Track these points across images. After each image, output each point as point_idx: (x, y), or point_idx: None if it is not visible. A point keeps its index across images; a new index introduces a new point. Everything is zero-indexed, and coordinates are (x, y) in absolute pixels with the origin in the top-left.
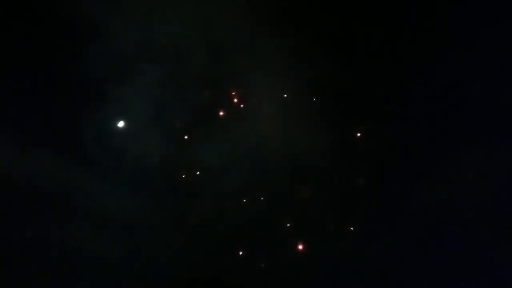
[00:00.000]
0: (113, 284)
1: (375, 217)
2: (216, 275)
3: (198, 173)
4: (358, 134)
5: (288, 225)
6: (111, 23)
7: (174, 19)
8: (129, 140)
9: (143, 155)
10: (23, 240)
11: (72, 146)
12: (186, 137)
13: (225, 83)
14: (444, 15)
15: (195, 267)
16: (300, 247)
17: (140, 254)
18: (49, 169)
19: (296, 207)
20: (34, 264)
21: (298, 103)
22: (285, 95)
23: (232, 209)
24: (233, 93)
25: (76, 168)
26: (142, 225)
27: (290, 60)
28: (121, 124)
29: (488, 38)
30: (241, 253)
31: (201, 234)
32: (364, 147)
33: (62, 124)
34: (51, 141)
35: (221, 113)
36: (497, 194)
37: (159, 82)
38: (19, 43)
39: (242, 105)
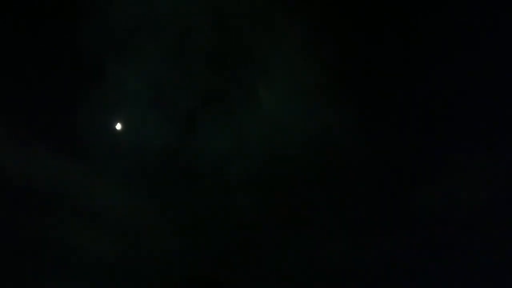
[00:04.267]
0: (110, 284)
1: (373, 219)
2: (217, 275)
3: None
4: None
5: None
6: None
7: None
8: (128, 130)
9: (144, 145)
10: (16, 238)
11: (65, 136)
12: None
13: (236, 62)
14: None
15: (196, 266)
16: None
17: (138, 253)
18: (41, 163)
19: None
20: (28, 262)
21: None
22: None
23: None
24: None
25: (71, 160)
26: (140, 222)
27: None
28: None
29: (490, 36)
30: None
31: (204, 232)
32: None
33: (54, 112)
34: (41, 131)
35: (231, 96)
36: (498, 196)
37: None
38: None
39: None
